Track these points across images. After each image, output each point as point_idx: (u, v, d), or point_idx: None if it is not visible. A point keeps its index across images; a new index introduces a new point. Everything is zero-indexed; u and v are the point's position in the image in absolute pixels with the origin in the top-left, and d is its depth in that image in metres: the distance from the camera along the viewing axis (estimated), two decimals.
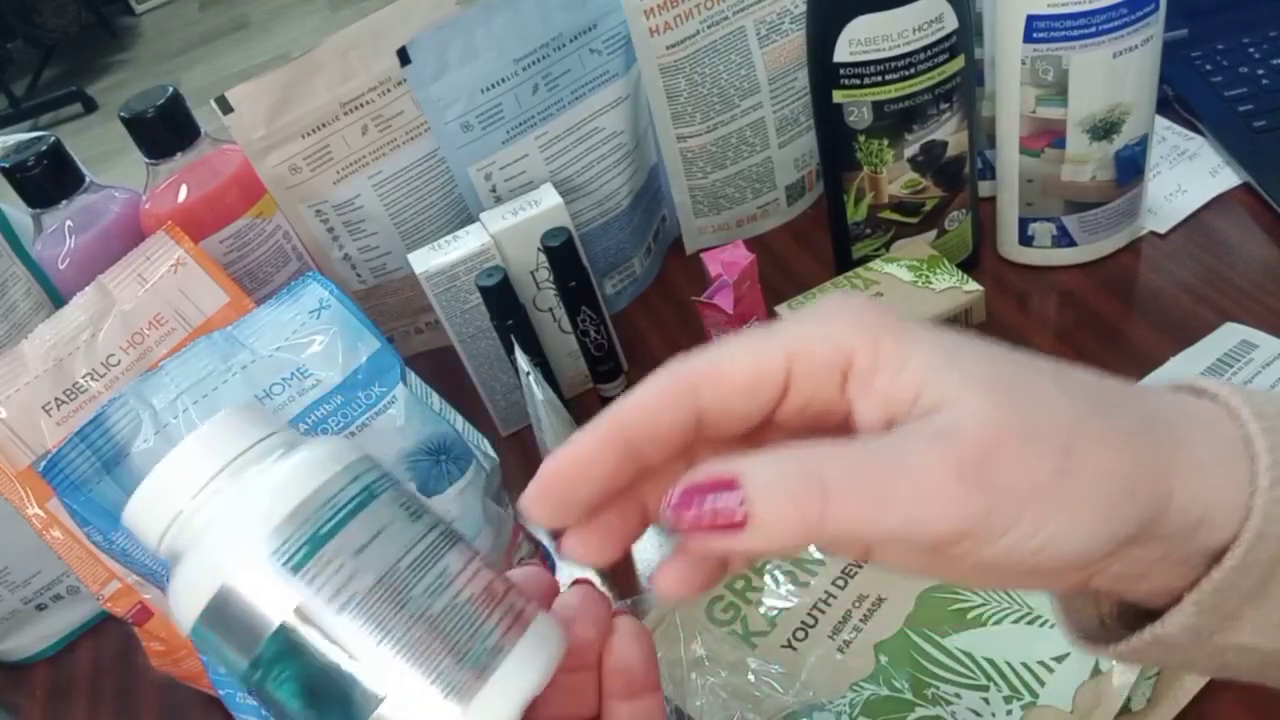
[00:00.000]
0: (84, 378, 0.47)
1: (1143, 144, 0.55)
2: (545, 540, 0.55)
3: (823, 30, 0.51)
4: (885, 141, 0.53)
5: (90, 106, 3.09)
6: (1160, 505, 0.23)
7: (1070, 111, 0.53)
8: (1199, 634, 0.25)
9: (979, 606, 0.42)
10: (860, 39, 0.49)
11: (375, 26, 0.54)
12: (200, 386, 0.41)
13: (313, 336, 0.44)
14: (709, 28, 0.58)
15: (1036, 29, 0.51)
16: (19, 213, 0.60)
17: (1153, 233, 0.60)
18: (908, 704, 0.40)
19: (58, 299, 0.58)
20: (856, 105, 0.52)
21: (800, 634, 0.44)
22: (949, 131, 0.53)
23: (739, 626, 0.44)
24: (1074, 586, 0.26)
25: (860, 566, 0.45)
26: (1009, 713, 0.39)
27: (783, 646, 0.43)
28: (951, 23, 0.49)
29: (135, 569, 0.40)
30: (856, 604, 0.44)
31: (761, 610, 0.45)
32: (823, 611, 0.44)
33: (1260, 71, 0.66)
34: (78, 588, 0.57)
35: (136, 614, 0.47)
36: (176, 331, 0.49)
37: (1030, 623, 0.41)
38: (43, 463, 0.38)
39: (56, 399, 0.46)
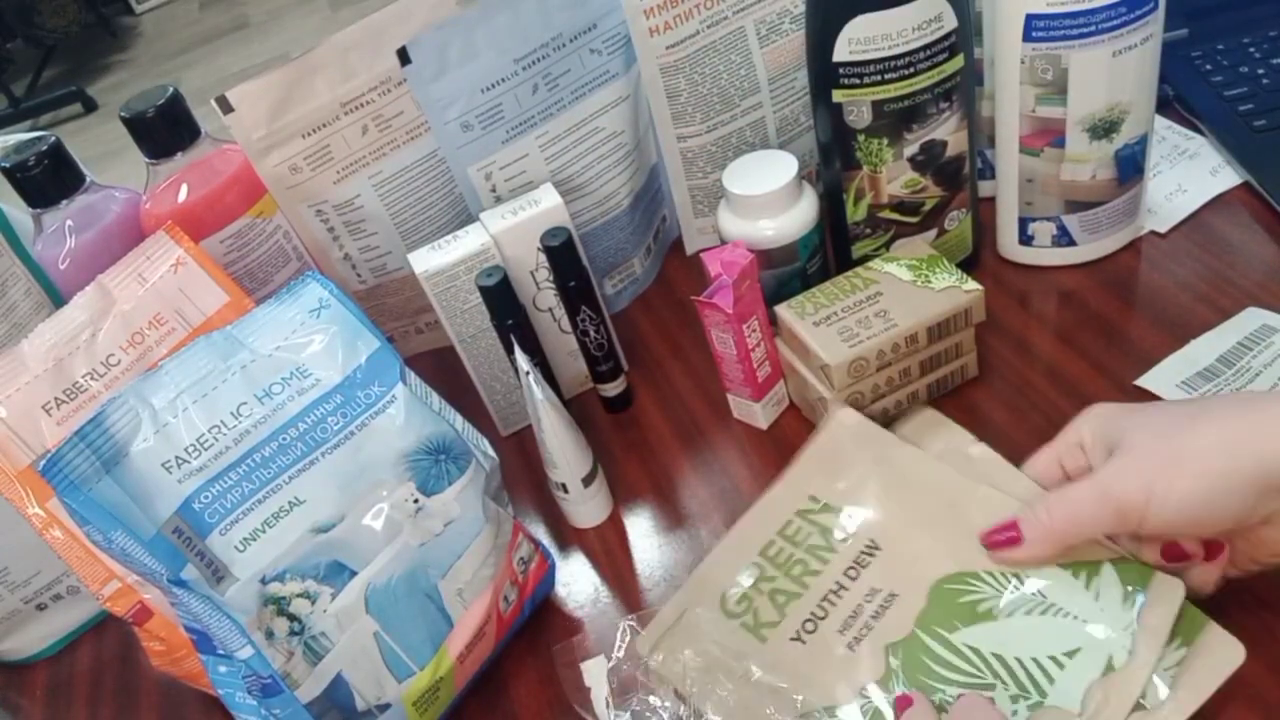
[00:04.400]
0: (84, 377, 0.47)
1: (1143, 143, 0.55)
2: (545, 540, 0.55)
3: (822, 30, 0.51)
4: (885, 141, 0.53)
5: (90, 106, 3.09)
6: (1269, 458, 0.35)
7: (1070, 111, 0.53)
8: None
9: (990, 598, 0.41)
10: (860, 38, 0.49)
11: (375, 26, 0.54)
12: (200, 386, 0.41)
13: (312, 336, 0.44)
14: (709, 28, 0.58)
15: (1036, 28, 0.50)
16: (19, 213, 0.60)
17: (1153, 232, 0.60)
18: None
19: (58, 299, 0.58)
20: (856, 105, 0.52)
21: (810, 626, 0.43)
22: (949, 131, 0.53)
23: (750, 618, 0.44)
24: None
25: (873, 556, 0.44)
26: (1014, 713, 0.38)
27: (791, 639, 0.43)
28: (951, 22, 0.49)
29: (135, 569, 0.40)
30: (869, 598, 0.43)
31: (772, 598, 0.44)
32: (833, 604, 0.43)
33: (1260, 71, 0.66)
34: (78, 588, 0.57)
35: (136, 614, 0.47)
36: (176, 331, 0.49)
37: (1044, 613, 0.40)
38: (43, 462, 0.38)
39: (56, 399, 0.46)
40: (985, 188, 0.61)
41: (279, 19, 3.27)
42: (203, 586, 0.39)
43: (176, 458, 0.40)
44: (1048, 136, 0.54)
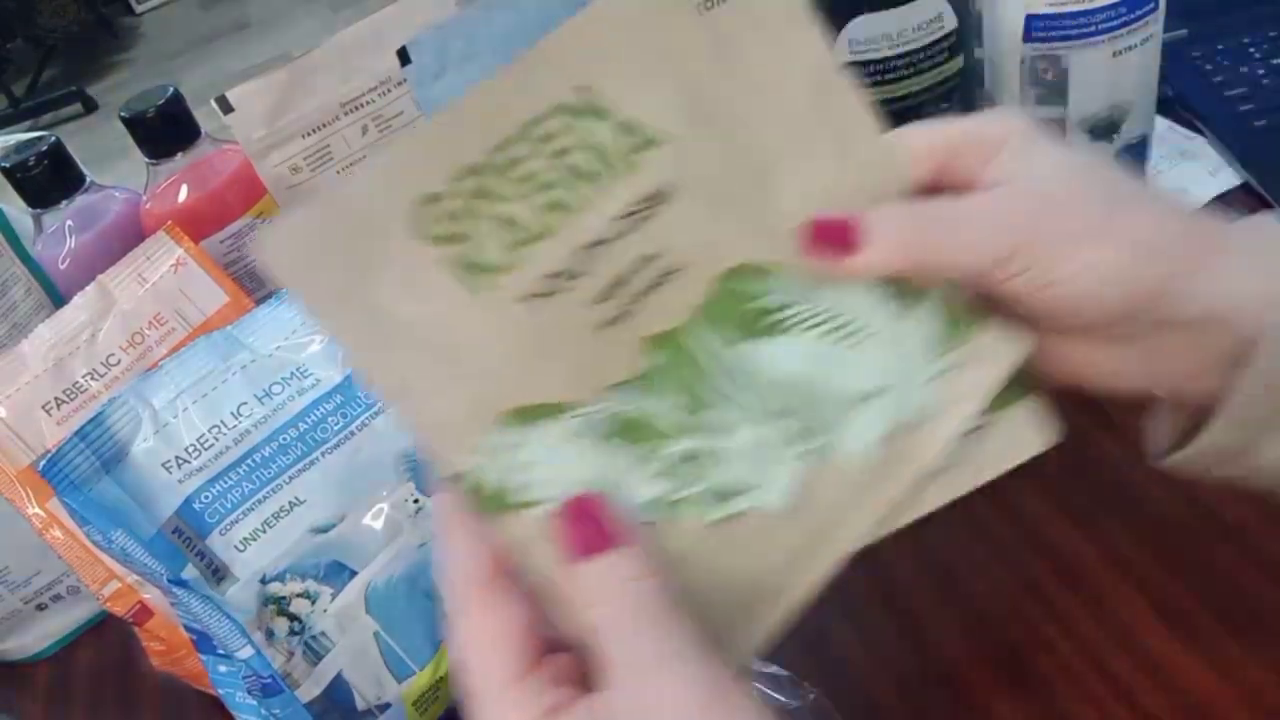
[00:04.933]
0: (84, 377, 0.47)
1: (1143, 143, 0.55)
2: None
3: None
4: None
5: (90, 106, 3.09)
6: (1183, 282, 0.28)
7: (1070, 111, 0.53)
8: (1241, 446, 0.29)
9: (789, 308, 0.31)
10: (860, 39, 0.49)
11: (375, 26, 0.54)
12: (200, 386, 0.41)
13: (312, 336, 0.44)
14: None
15: (1036, 28, 0.51)
16: (19, 213, 0.60)
17: None
18: (670, 430, 0.30)
19: (58, 299, 0.58)
20: None
21: (550, 285, 0.29)
22: None
23: (459, 249, 0.29)
24: (1139, 374, 0.31)
25: (655, 209, 0.30)
26: (797, 455, 0.30)
27: (518, 300, 0.29)
28: (951, 22, 0.49)
29: (135, 569, 0.40)
30: (638, 266, 0.30)
31: (499, 231, 0.29)
32: (588, 263, 0.30)
33: (1260, 71, 0.65)
34: (78, 588, 0.57)
35: (136, 614, 0.47)
36: (176, 331, 0.49)
37: (849, 335, 0.31)
38: (43, 462, 0.38)
39: (56, 399, 0.46)
40: None
41: (279, 19, 3.28)
42: (203, 586, 0.39)
43: (176, 458, 0.40)
44: None
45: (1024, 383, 0.32)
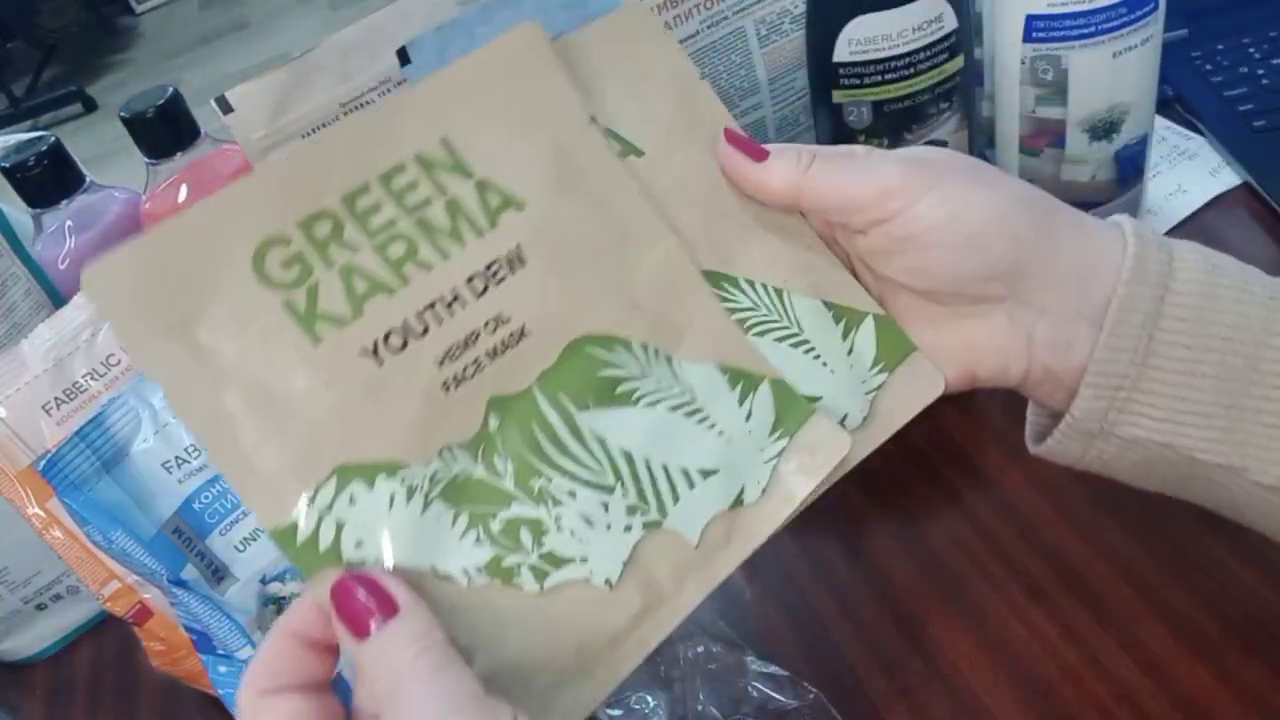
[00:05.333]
0: (84, 378, 0.47)
1: (1143, 144, 0.55)
2: None
3: (822, 30, 0.51)
4: (885, 142, 0.53)
5: (90, 106, 3.09)
6: (1050, 232, 0.32)
7: (1070, 111, 0.53)
8: (1103, 419, 0.31)
9: (635, 381, 0.31)
10: (860, 39, 0.49)
11: (375, 26, 0.54)
12: None
13: None
14: (709, 28, 0.58)
15: (1036, 28, 0.51)
16: (19, 213, 0.60)
17: None
18: (504, 495, 0.29)
19: (58, 299, 0.58)
20: (856, 105, 0.52)
21: (396, 340, 0.29)
22: (949, 131, 0.53)
23: (302, 297, 0.28)
24: (1009, 340, 0.33)
25: (512, 270, 0.31)
26: (627, 528, 0.30)
27: (360, 353, 0.28)
28: (951, 22, 0.49)
29: (135, 569, 0.40)
30: (490, 327, 0.30)
31: (347, 280, 0.29)
32: (439, 319, 0.29)
33: (1260, 71, 0.66)
34: (78, 588, 0.57)
35: (136, 614, 0.47)
36: None
37: (689, 415, 0.32)
38: (43, 462, 0.38)
39: (56, 399, 0.46)
40: None
41: (279, 19, 3.28)
42: (203, 586, 0.39)
43: (176, 458, 0.40)
44: (1048, 137, 0.54)
45: (905, 342, 0.35)
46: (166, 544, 0.39)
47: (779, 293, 0.34)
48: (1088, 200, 0.56)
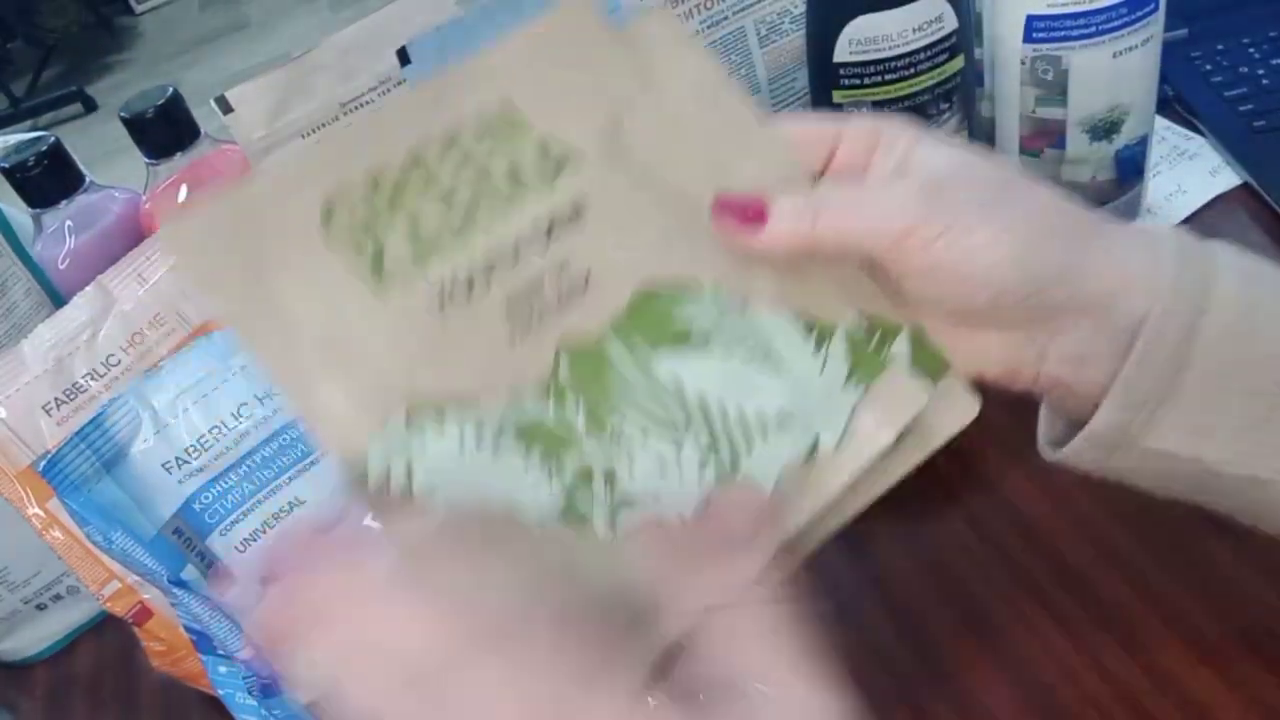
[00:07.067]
0: (84, 378, 0.47)
1: (1143, 144, 0.55)
2: None
3: (822, 30, 0.51)
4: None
5: (90, 106, 3.09)
6: (1076, 259, 0.30)
7: (1070, 112, 0.53)
8: (1126, 432, 0.30)
9: (707, 326, 0.31)
10: (860, 39, 0.49)
11: (375, 26, 0.54)
12: (200, 386, 0.41)
13: None
14: (709, 28, 0.58)
15: (1036, 29, 0.51)
16: (19, 213, 0.60)
17: None
18: (575, 437, 0.29)
19: (58, 299, 0.58)
20: (856, 105, 0.52)
21: (461, 291, 0.30)
22: (949, 132, 0.53)
23: (368, 249, 0.29)
24: (1027, 353, 0.31)
25: (572, 221, 0.31)
26: (702, 468, 0.30)
27: (426, 305, 0.29)
28: (951, 23, 0.49)
29: (135, 569, 0.40)
30: (554, 276, 0.30)
31: (413, 233, 0.30)
32: (504, 269, 0.30)
33: (1260, 71, 0.65)
34: (78, 588, 0.57)
35: (136, 614, 0.47)
36: (176, 331, 0.49)
37: (762, 363, 0.31)
38: (43, 462, 0.38)
39: (56, 399, 0.46)
40: None
41: (279, 19, 3.28)
42: (203, 587, 0.39)
43: (177, 458, 0.40)
44: (1048, 137, 0.54)
45: (940, 361, 0.33)
46: (166, 544, 0.39)
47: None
48: (1088, 200, 0.56)
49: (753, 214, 0.31)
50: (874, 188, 0.32)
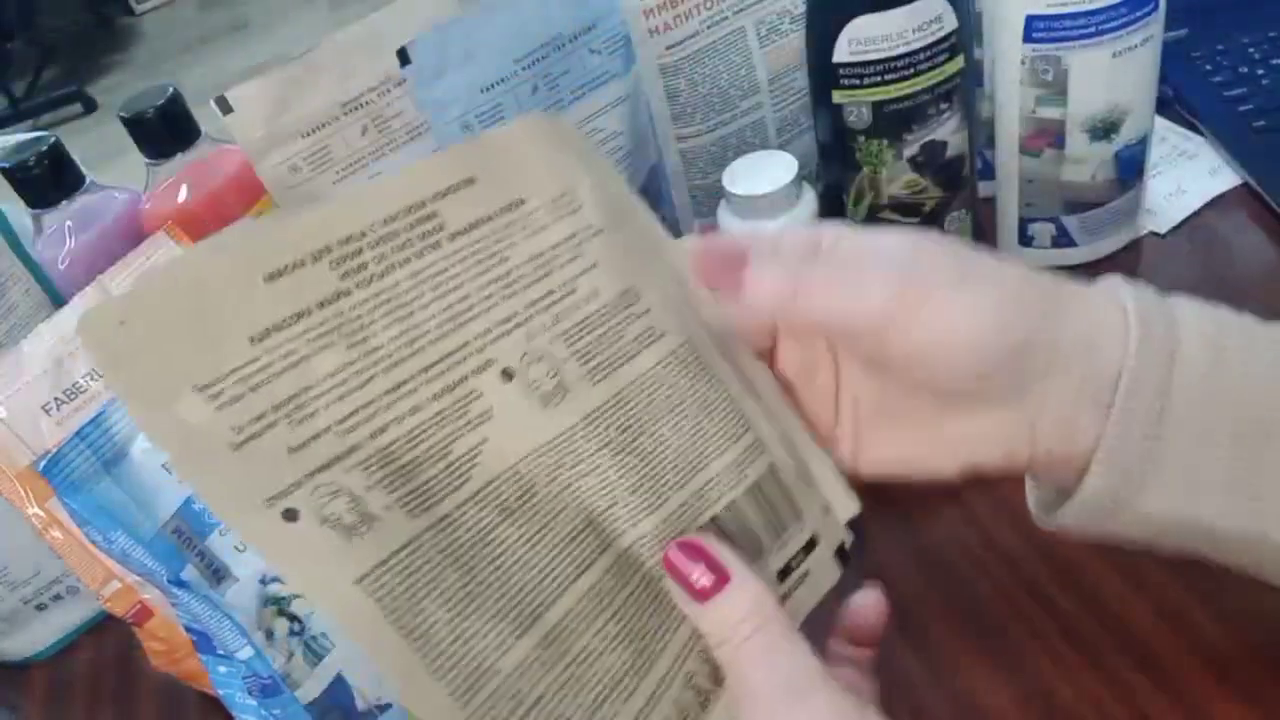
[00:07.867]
0: (84, 378, 0.47)
1: (1143, 144, 0.55)
2: None
3: (822, 30, 0.51)
4: (885, 142, 0.53)
5: (90, 106, 3.09)
6: (1051, 317, 0.30)
7: (1070, 112, 0.53)
8: (1115, 497, 0.30)
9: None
10: (860, 39, 0.49)
11: (375, 26, 0.54)
12: None
13: None
14: (709, 28, 0.58)
15: (1036, 29, 0.51)
16: (19, 213, 0.60)
17: (1152, 233, 0.60)
18: None
19: (58, 299, 0.58)
20: (856, 105, 0.52)
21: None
22: (949, 131, 0.53)
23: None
24: (1015, 428, 0.31)
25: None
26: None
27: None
28: (951, 23, 0.49)
29: (135, 569, 0.40)
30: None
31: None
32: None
33: (1260, 71, 0.66)
34: (78, 588, 0.57)
35: (136, 614, 0.47)
36: None
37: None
38: (43, 462, 0.38)
39: (56, 399, 0.46)
40: (985, 188, 0.61)
41: (279, 19, 3.28)
42: (203, 586, 0.39)
43: None
44: (1048, 137, 0.54)
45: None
46: (166, 544, 0.39)
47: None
48: (1088, 200, 0.56)
49: (730, 280, 0.32)
50: (853, 269, 0.31)
